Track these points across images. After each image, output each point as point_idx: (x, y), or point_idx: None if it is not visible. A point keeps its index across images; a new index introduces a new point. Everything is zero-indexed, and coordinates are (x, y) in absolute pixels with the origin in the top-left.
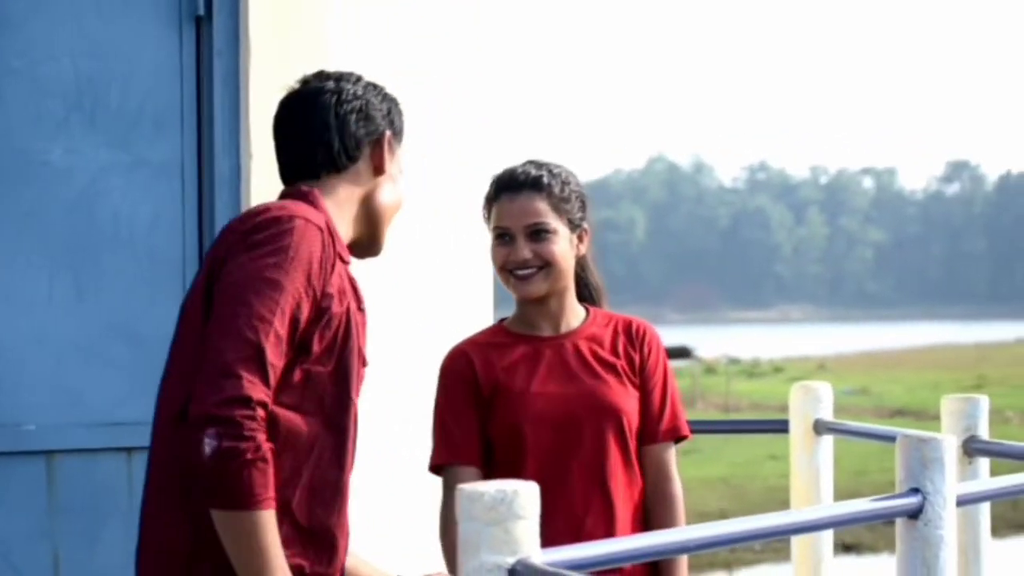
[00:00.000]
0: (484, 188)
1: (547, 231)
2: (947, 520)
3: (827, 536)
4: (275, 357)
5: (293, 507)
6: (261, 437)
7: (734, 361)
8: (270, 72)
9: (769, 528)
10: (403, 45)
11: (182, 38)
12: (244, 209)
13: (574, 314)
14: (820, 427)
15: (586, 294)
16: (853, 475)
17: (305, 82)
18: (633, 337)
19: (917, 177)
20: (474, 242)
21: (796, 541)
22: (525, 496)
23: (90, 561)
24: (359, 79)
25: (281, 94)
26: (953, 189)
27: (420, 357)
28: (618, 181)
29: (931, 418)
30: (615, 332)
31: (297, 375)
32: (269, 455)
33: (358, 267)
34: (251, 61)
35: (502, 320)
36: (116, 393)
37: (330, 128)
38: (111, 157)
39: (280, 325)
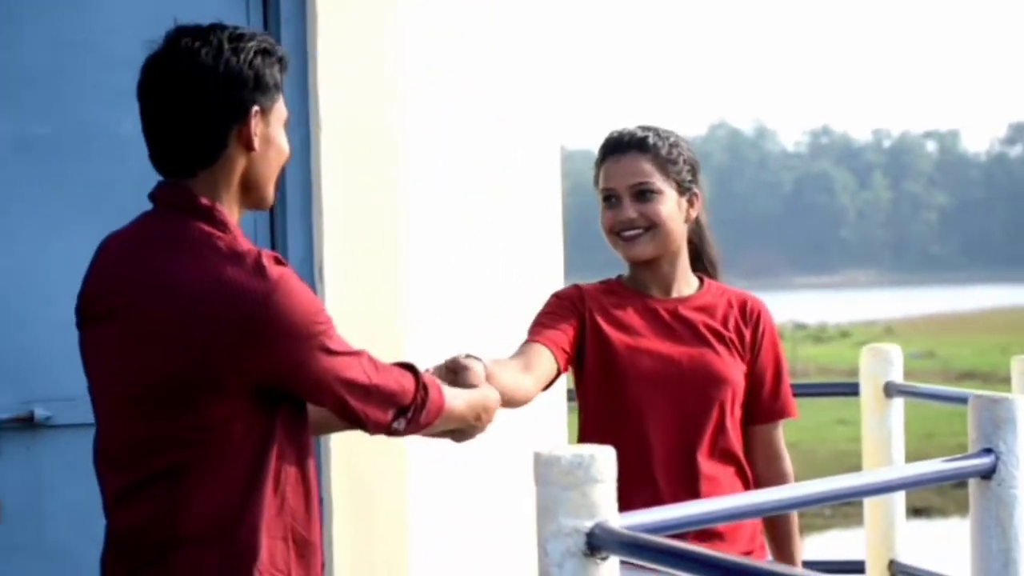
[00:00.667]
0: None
1: (652, 191)
2: (1020, 479)
3: (899, 499)
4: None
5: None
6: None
7: (800, 326)
8: (337, 40)
9: (842, 490)
10: (473, 18)
11: (248, 7)
12: (314, 180)
13: (686, 282)
14: (891, 390)
15: (700, 266)
16: (922, 439)
17: (167, 46)
18: (747, 314)
19: (979, 139)
20: (505, 243)
21: (868, 505)
22: (602, 460)
23: None
24: (220, 37)
25: (348, 63)
26: (1016, 151)
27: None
28: None
29: (999, 381)
30: (728, 305)
31: None
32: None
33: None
34: (318, 29)
35: (618, 276)
36: None
37: (193, 124)
38: None
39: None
